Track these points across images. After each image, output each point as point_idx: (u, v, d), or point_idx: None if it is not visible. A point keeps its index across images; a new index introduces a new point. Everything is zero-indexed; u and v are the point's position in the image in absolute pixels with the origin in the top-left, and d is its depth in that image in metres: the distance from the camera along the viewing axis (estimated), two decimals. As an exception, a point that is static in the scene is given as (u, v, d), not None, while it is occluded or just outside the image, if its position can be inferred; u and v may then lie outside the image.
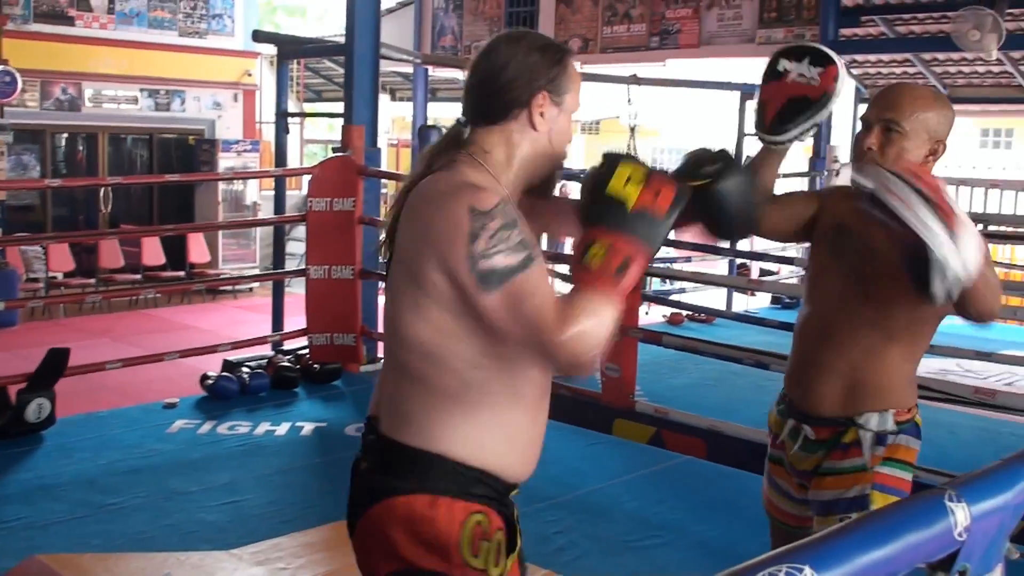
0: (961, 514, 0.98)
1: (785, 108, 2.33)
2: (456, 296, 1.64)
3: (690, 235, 2.20)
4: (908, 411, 2.32)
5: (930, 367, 7.12)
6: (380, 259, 1.88)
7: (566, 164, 1.92)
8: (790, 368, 2.46)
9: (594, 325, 1.57)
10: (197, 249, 12.31)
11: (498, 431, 1.72)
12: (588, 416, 5.47)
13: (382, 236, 1.85)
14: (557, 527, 4.04)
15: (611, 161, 1.66)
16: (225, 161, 12.78)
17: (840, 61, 2.34)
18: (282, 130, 7.50)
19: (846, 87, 2.34)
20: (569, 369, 1.64)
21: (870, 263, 2.25)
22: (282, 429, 5.28)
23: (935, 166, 2.28)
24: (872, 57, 11.68)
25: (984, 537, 1.01)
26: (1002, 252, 9.77)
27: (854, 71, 12.01)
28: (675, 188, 1.64)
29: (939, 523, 0.96)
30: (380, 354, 6.81)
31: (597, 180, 1.64)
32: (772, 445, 2.51)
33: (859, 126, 2.34)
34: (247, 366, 6.16)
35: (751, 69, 10.80)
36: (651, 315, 9.49)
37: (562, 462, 4.77)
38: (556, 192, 2.02)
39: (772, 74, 2.36)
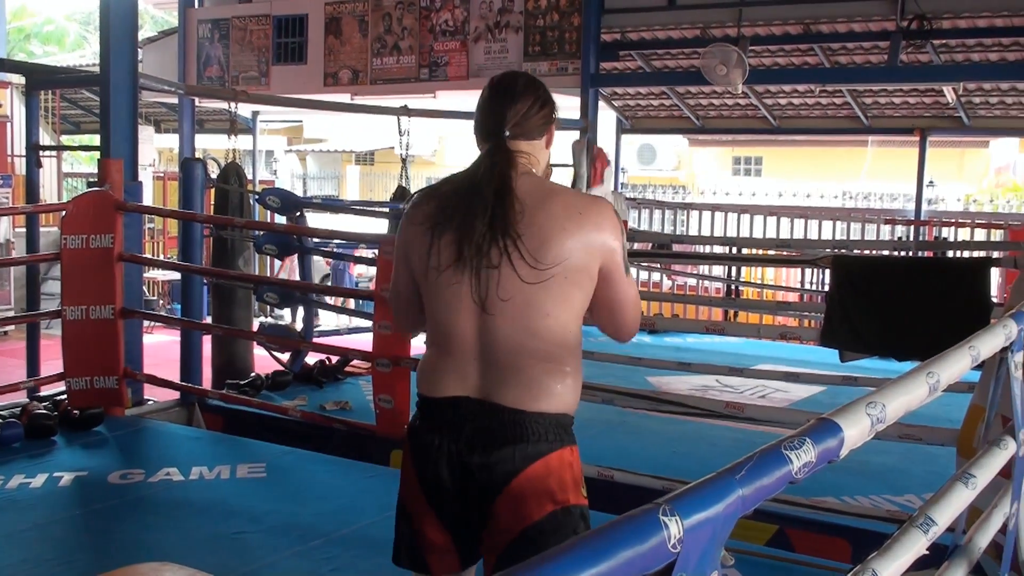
0: (674, 527, 1.05)
1: None
2: (592, 282, 2.17)
3: None
4: None
5: (692, 383, 7.50)
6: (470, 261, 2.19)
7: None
8: None
9: None
10: (-58, 292, 11.46)
11: (578, 386, 2.23)
12: (366, 449, 5.44)
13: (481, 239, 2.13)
14: (333, 564, 3.97)
15: None
16: (-27, 197, 11.95)
17: None
18: (33, 164, 7.10)
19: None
20: (632, 336, 2.33)
21: None
22: (38, 481, 4.95)
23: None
24: (631, 90, 12.26)
25: (697, 547, 1.09)
26: (753, 273, 10.40)
27: (615, 103, 12.57)
28: None
29: (653, 537, 1.02)
30: (146, 396, 6.54)
31: None
32: None
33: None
34: (-2, 415, 5.76)
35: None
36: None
37: (338, 497, 4.72)
38: None
39: None
